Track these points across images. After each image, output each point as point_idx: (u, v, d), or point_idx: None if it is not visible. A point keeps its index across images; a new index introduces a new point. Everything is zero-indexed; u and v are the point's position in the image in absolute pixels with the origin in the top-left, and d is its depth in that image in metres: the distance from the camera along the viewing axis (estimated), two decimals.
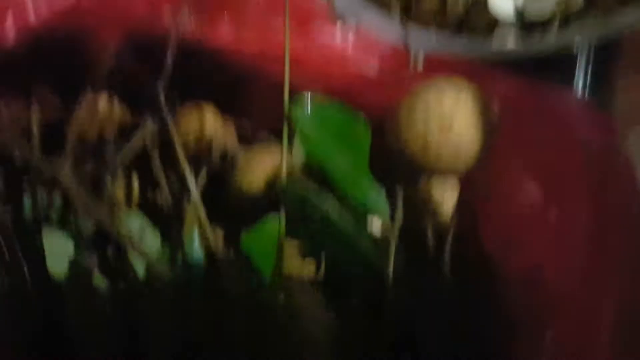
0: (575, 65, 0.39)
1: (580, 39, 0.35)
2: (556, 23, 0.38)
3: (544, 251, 0.32)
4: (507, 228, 0.33)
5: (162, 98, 0.32)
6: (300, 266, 0.31)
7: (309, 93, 0.30)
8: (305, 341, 0.29)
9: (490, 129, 0.31)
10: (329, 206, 0.28)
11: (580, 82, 0.40)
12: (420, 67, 0.33)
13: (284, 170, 0.31)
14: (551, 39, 0.36)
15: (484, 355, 0.32)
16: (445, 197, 0.33)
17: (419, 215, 0.32)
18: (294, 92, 0.32)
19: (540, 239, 0.33)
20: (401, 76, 0.34)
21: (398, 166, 0.30)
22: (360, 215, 0.30)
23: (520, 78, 0.34)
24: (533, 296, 0.33)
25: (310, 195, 0.28)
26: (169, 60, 0.32)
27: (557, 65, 0.39)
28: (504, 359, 0.31)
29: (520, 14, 0.38)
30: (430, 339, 0.31)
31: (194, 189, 0.32)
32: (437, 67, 0.34)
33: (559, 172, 0.33)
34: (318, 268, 0.31)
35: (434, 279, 0.32)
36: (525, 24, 0.38)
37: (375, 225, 0.30)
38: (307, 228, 0.29)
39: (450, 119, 0.29)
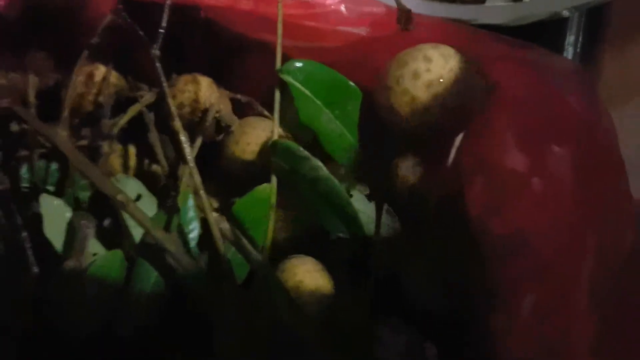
0: (566, 31, 0.40)
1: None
2: None
3: (527, 217, 0.33)
4: (491, 193, 0.34)
5: (158, 66, 0.33)
6: (289, 231, 0.32)
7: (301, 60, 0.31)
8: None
9: (477, 90, 0.32)
10: (318, 170, 0.29)
11: (570, 48, 0.41)
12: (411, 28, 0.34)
13: (276, 136, 0.32)
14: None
15: (466, 319, 0.33)
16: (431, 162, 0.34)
17: (404, 181, 0.32)
18: (287, 59, 0.32)
19: (523, 205, 0.34)
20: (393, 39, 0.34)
21: (387, 127, 0.30)
22: (348, 178, 0.31)
23: (510, 42, 0.35)
24: (515, 261, 0.34)
25: (300, 158, 0.29)
26: (164, 24, 0.32)
27: (548, 32, 0.39)
28: (484, 324, 0.32)
29: None
30: (413, 300, 0.33)
31: (190, 156, 0.33)
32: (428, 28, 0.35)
33: (544, 138, 0.34)
34: (307, 231, 0.33)
35: (418, 241, 0.33)
36: None
37: (362, 190, 0.31)
38: (297, 193, 0.30)
39: (438, 76, 0.30)
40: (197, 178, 0.32)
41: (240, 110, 0.37)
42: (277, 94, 0.31)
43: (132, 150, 0.36)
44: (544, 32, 0.39)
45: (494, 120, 0.34)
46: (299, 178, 0.29)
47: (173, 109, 0.33)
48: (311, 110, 0.30)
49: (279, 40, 0.31)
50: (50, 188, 0.35)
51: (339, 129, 0.30)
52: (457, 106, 0.30)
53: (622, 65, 0.43)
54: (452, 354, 0.33)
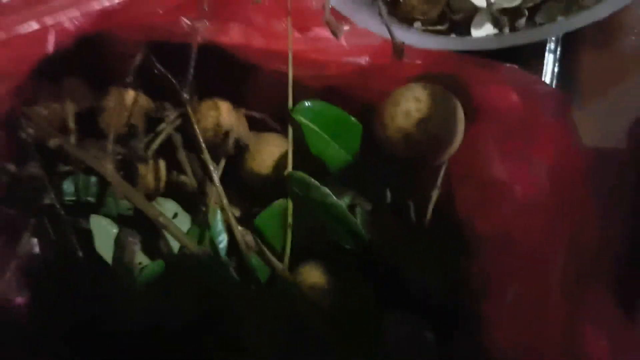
0: (544, 54, 0.44)
1: (549, 29, 0.39)
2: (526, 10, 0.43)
3: (509, 219, 0.38)
4: (477, 198, 0.39)
5: (185, 94, 0.37)
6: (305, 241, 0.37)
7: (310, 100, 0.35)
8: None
9: (466, 120, 0.37)
10: (327, 197, 0.34)
11: (549, 70, 0.45)
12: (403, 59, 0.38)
13: (290, 167, 0.36)
14: (522, 29, 0.40)
15: (457, 309, 0.39)
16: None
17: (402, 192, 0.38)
18: (298, 85, 0.37)
19: (507, 206, 0.38)
20: (389, 68, 0.39)
21: (384, 154, 0.35)
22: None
23: (494, 66, 0.39)
24: (499, 257, 0.39)
25: (312, 187, 0.34)
26: (192, 62, 0.37)
27: (528, 55, 0.43)
28: (474, 313, 0.37)
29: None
30: (413, 292, 0.38)
31: (215, 174, 0.37)
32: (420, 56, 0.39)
33: (524, 151, 0.38)
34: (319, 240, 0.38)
35: (416, 243, 0.38)
36: (498, 10, 0.43)
37: (365, 205, 0.36)
38: (310, 213, 0.35)
39: (428, 114, 0.34)
40: (223, 196, 0.37)
41: (255, 125, 0.42)
42: (290, 131, 0.35)
43: (162, 165, 0.41)
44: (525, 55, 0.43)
45: (480, 135, 0.39)
46: (311, 202, 0.34)
47: (198, 131, 0.38)
48: (320, 143, 0.35)
49: (290, 82, 0.35)
50: (92, 199, 0.40)
51: (344, 156, 0.35)
52: (446, 135, 0.34)
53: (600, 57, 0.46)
54: (447, 340, 0.38)
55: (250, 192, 0.41)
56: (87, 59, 0.40)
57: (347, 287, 0.37)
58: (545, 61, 0.45)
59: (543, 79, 0.45)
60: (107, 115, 0.40)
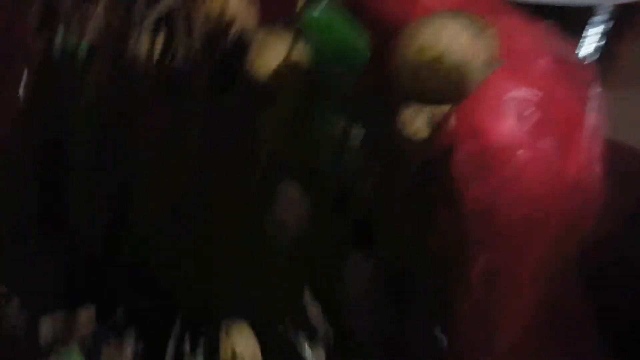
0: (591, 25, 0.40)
1: None
2: None
3: (501, 189, 0.36)
4: (473, 162, 0.36)
5: None
6: None
7: None
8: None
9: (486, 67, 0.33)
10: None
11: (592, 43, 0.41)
12: None
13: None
14: None
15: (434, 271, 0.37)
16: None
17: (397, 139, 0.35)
18: None
19: (501, 178, 0.36)
20: None
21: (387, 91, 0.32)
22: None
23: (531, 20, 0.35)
24: (484, 223, 0.37)
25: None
26: None
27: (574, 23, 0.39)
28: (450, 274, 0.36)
29: None
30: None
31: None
32: None
33: (539, 120, 0.36)
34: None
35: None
36: None
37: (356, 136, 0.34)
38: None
39: (443, 53, 0.31)
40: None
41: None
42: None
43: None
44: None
45: (490, 89, 0.36)
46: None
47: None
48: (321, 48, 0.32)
49: None
50: None
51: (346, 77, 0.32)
52: (462, 81, 0.31)
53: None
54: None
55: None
56: None
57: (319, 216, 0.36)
58: (591, 32, 0.41)
59: (583, 51, 0.41)
60: None
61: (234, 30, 0.36)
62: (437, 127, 0.35)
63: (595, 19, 0.41)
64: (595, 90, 0.34)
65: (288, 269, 0.34)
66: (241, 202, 0.35)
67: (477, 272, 0.36)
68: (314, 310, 0.35)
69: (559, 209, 0.35)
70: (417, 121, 0.35)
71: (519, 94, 0.35)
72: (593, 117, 0.33)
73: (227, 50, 0.36)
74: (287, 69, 0.35)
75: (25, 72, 0.38)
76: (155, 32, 0.38)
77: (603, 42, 0.41)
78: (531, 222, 0.35)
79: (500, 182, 0.36)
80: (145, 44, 0.38)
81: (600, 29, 0.41)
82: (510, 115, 0.35)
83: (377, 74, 0.33)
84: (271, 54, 0.37)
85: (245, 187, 0.35)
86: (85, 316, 0.38)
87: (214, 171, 0.36)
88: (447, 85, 0.32)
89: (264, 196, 0.34)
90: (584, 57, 0.40)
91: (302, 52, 0.35)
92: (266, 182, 0.34)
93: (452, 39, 0.31)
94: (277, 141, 0.35)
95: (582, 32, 0.41)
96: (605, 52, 0.41)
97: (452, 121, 0.35)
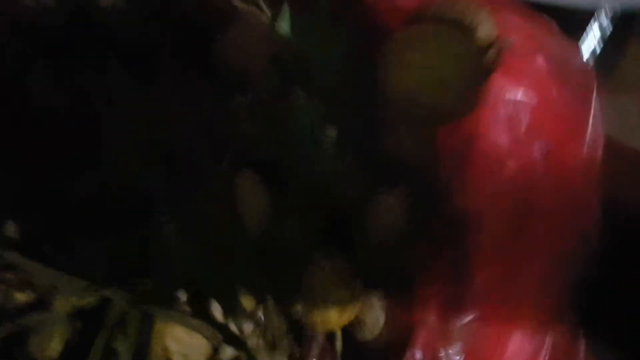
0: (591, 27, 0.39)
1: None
2: None
3: (491, 197, 0.34)
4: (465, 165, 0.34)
5: None
6: None
7: None
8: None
9: (480, 73, 0.31)
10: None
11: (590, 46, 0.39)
12: None
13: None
14: None
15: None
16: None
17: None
18: None
19: (491, 185, 0.34)
20: None
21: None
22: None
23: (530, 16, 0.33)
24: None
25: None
26: None
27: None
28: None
29: None
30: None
31: None
32: None
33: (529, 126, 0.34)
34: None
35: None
36: None
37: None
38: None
39: (436, 60, 0.30)
40: None
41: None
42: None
43: None
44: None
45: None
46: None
47: None
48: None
49: None
50: None
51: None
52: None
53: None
54: None
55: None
56: None
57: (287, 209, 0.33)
58: (590, 35, 0.40)
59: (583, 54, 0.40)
60: None
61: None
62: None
63: (595, 23, 0.39)
64: (595, 94, 0.32)
65: (252, 268, 0.31)
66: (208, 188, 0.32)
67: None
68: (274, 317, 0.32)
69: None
70: None
71: (516, 96, 0.33)
72: (592, 120, 0.31)
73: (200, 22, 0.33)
74: (266, 52, 0.33)
75: None
76: None
77: (602, 46, 0.40)
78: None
79: (489, 191, 0.34)
80: None
81: (600, 32, 0.39)
82: (506, 118, 0.34)
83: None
84: (251, 35, 0.35)
85: (210, 174, 0.32)
86: None
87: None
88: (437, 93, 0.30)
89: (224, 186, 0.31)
90: (584, 61, 0.38)
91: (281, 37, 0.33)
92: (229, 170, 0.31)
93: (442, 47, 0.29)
94: (249, 127, 0.32)
95: (582, 36, 0.39)
96: (605, 56, 0.40)
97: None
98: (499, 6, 0.33)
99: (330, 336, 0.34)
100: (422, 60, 0.30)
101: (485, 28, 0.31)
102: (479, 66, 0.32)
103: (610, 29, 0.40)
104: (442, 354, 0.32)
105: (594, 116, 0.31)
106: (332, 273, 0.32)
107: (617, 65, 0.40)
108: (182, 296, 0.31)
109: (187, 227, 0.31)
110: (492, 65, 0.32)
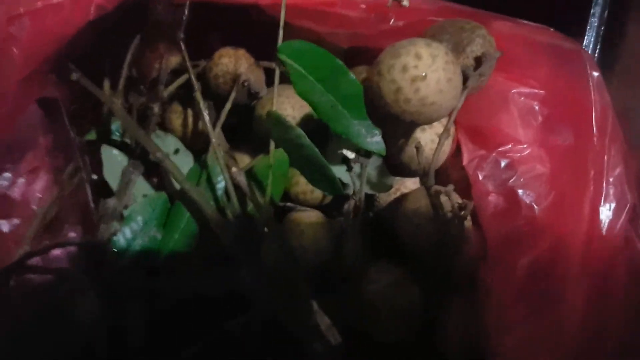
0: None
1: None
2: None
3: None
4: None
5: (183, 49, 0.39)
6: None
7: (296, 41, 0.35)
8: None
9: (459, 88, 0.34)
10: (301, 138, 0.33)
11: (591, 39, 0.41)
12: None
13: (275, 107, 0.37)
14: None
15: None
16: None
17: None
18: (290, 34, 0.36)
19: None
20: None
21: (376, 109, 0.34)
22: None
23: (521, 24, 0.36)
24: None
25: (286, 127, 0.33)
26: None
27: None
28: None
29: None
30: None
31: (206, 114, 0.38)
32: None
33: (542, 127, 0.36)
34: None
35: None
36: None
37: (348, 154, 0.36)
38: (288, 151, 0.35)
39: (423, 73, 0.32)
40: (223, 139, 0.38)
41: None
42: (277, 71, 0.36)
43: (179, 108, 0.43)
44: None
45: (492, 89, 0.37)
46: (288, 144, 0.34)
47: (193, 79, 0.39)
48: (306, 85, 0.33)
49: (282, 24, 0.35)
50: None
51: (330, 101, 0.33)
52: (436, 102, 0.33)
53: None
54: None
55: (262, 142, 0.41)
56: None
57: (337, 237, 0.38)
58: (587, 27, 0.41)
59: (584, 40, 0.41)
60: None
61: (237, 84, 0.39)
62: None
63: (595, 7, 0.40)
64: (599, 79, 0.34)
65: None
66: None
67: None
68: None
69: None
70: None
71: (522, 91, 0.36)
72: (599, 104, 0.33)
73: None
74: None
75: None
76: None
77: (604, 30, 0.41)
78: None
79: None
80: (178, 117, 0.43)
81: (600, 17, 0.41)
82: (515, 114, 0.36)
83: None
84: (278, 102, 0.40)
85: None
86: None
87: None
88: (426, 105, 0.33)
89: None
90: (586, 47, 0.39)
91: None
92: None
93: (429, 65, 0.32)
94: None
95: (583, 22, 0.40)
96: (607, 41, 0.41)
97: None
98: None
99: None
100: (414, 65, 0.32)
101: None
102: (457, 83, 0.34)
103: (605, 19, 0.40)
104: None
105: (601, 98, 0.33)
106: None
107: (619, 49, 0.40)
108: None
109: None
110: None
